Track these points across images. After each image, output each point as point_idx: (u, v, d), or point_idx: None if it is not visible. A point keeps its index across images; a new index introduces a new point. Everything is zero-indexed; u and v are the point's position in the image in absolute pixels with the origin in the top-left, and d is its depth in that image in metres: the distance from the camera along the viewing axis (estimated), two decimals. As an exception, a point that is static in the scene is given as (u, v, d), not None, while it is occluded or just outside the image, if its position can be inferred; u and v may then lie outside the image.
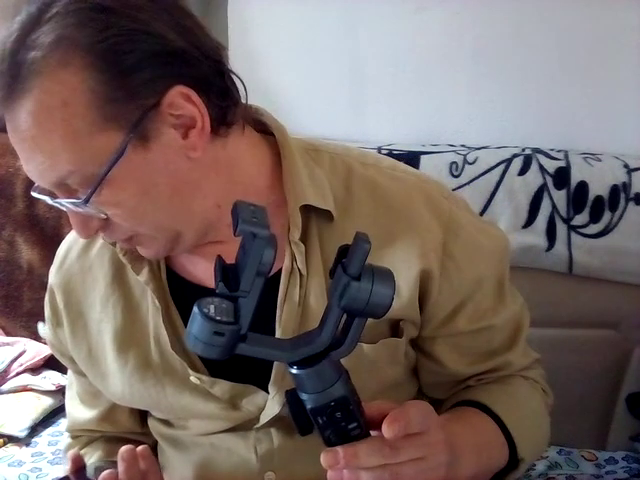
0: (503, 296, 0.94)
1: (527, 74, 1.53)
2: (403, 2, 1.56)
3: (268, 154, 0.87)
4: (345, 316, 0.65)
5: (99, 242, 0.93)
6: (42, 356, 1.64)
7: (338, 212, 0.86)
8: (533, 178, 1.40)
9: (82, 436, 1.05)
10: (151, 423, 1.00)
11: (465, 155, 1.44)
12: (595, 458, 1.39)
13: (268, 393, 0.87)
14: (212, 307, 0.60)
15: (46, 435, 1.51)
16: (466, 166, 1.43)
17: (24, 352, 1.65)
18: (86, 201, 0.74)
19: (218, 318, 0.59)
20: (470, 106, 1.57)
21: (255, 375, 0.87)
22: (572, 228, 1.39)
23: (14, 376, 1.61)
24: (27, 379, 1.61)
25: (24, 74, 0.72)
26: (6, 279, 1.71)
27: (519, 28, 1.51)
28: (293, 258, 0.84)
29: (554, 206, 1.39)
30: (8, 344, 1.67)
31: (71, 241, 0.97)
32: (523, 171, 1.40)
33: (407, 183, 0.90)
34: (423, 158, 1.45)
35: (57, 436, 1.50)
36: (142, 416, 1.02)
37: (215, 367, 0.89)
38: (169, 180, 0.78)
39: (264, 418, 0.88)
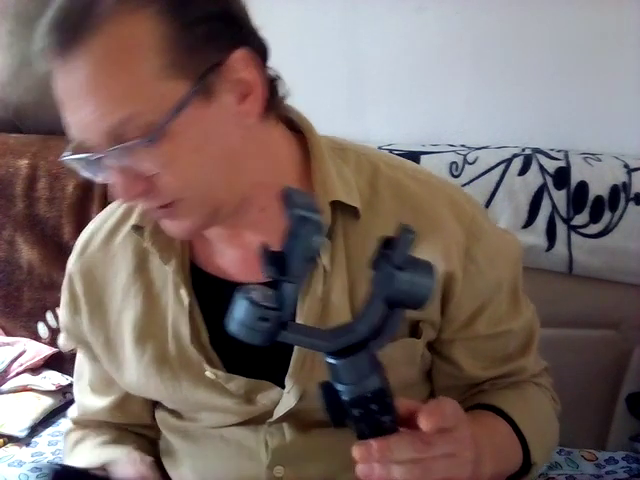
0: (518, 301, 0.95)
1: (527, 74, 1.53)
2: (403, 2, 1.56)
3: (297, 150, 0.88)
4: (383, 307, 0.65)
5: (122, 232, 0.93)
6: (42, 356, 1.64)
7: (363, 210, 0.86)
8: (533, 178, 1.40)
9: (89, 426, 1.05)
10: (159, 415, 1.00)
11: (465, 155, 1.44)
12: (595, 458, 1.38)
13: (283, 388, 0.87)
14: (256, 293, 0.61)
15: (46, 435, 1.51)
16: (466, 166, 1.43)
17: (24, 352, 1.64)
18: (151, 140, 0.71)
19: (264, 304, 0.60)
20: (470, 106, 1.58)
21: (270, 370, 0.88)
22: (572, 228, 1.39)
23: (14, 376, 1.60)
24: (27, 379, 1.60)
25: (95, 15, 0.71)
26: (6, 279, 1.70)
27: (519, 28, 1.52)
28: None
29: (554, 206, 1.39)
30: (8, 344, 1.67)
31: (93, 230, 0.97)
32: (523, 171, 1.40)
33: (431, 186, 0.90)
34: (423, 158, 1.44)
35: (57, 436, 1.50)
36: (155, 407, 1.02)
37: (231, 362, 0.89)
38: (221, 144, 0.77)
39: (278, 412, 0.88)
